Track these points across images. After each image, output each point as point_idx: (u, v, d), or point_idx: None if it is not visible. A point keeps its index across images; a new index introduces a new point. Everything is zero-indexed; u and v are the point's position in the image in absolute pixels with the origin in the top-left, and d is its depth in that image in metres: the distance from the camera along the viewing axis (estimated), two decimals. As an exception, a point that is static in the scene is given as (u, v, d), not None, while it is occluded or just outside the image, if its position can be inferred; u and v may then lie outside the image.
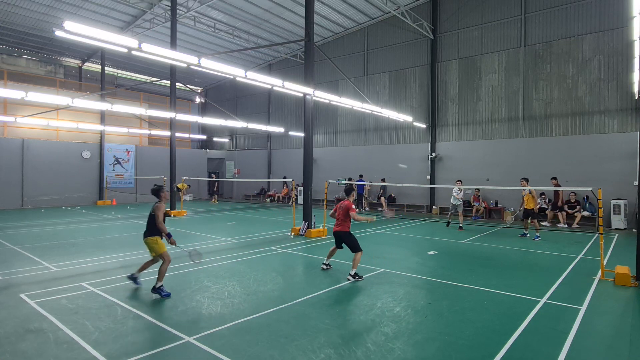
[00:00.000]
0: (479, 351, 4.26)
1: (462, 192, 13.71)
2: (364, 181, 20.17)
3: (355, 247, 7.24)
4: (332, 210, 7.74)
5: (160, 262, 6.20)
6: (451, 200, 13.75)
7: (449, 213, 14.24)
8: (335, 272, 7.66)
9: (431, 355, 4.19)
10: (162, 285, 6.02)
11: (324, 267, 7.78)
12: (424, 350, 4.30)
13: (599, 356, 4.25)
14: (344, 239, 7.39)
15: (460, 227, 13.45)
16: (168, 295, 5.98)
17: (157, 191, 6.48)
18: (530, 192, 11.68)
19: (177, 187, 21.43)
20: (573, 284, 6.94)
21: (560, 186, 15.28)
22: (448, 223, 14.21)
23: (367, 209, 20.56)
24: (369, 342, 4.47)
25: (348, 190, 7.78)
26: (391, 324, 5.08)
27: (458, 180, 14.13)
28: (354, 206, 7.45)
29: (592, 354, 4.30)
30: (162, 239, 6.26)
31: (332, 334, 4.66)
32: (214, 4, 18.65)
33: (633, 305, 5.91)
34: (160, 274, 6.03)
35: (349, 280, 6.98)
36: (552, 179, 15.18)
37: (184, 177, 19.45)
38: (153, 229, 6.23)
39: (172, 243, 6.13)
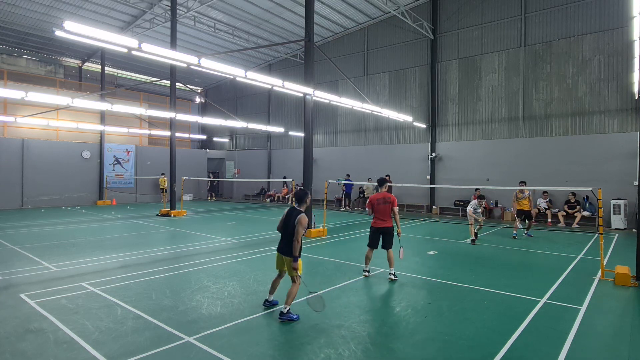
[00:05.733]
0: (479, 351, 4.26)
1: (481, 206, 11.80)
2: (351, 181, 20.22)
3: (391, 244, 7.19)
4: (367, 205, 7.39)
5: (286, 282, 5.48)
6: (472, 213, 11.35)
7: (473, 227, 11.21)
8: (333, 272, 7.66)
9: (431, 355, 4.19)
10: (289, 309, 5.11)
11: (366, 274, 7.32)
12: (424, 350, 4.30)
13: (599, 356, 4.25)
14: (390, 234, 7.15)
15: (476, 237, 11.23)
16: (297, 318, 5.12)
17: (303, 196, 5.42)
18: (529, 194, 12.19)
19: (162, 188, 21.66)
20: (573, 284, 6.94)
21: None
22: (473, 240, 11.02)
23: (360, 208, 20.58)
24: (369, 342, 4.47)
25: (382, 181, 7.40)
26: (391, 324, 5.08)
27: (478, 192, 13.27)
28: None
29: (592, 354, 4.30)
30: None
31: (332, 334, 4.66)
32: (214, 4, 18.64)
33: (633, 305, 5.91)
34: (291, 297, 5.11)
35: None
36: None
37: (184, 177, 19.42)
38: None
39: (296, 268, 5.16)
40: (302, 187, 5.75)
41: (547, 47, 16.06)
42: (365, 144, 21.91)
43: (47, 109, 18.58)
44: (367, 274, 7.31)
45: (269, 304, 5.60)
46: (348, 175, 21.24)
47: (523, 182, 12.27)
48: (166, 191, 20.17)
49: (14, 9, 17.90)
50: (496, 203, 17.33)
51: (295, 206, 5.40)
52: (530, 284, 6.88)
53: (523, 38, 16.60)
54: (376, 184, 7.59)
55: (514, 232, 11.91)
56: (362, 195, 21.20)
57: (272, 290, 5.64)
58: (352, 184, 20.15)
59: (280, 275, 5.64)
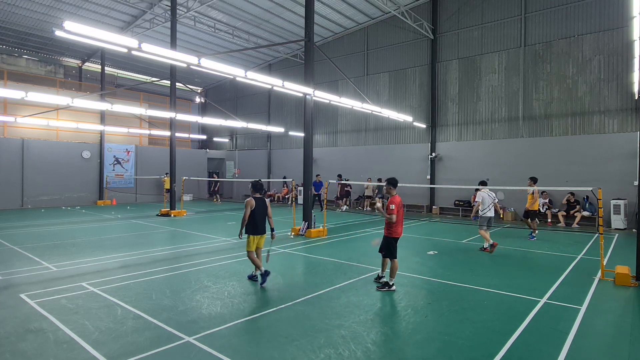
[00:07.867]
0: (479, 351, 4.26)
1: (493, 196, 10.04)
2: (322, 183, 19.39)
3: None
4: (394, 211, 6.59)
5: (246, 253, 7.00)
6: (484, 213, 9.87)
7: (484, 228, 9.77)
8: (333, 272, 7.66)
9: (431, 355, 4.19)
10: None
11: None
12: (424, 350, 4.30)
13: (599, 356, 4.25)
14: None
15: (486, 249, 9.61)
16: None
17: (261, 186, 7.28)
18: (533, 192, 11.50)
19: (166, 189, 21.39)
20: (573, 284, 6.94)
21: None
22: (492, 246, 9.46)
23: (343, 207, 20.55)
24: (369, 342, 4.47)
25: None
26: (391, 324, 5.08)
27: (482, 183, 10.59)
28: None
29: (592, 353, 4.30)
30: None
31: (332, 334, 4.66)
32: (214, 4, 18.64)
33: (633, 305, 5.91)
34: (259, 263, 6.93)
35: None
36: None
37: (184, 177, 19.42)
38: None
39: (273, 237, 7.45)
40: (259, 180, 7.05)
41: (547, 47, 16.05)
42: (365, 144, 21.90)
43: (47, 109, 18.58)
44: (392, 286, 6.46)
45: (260, 277, 6.74)
46: (318, 175, 19.96)
47: (531, 179, 11.26)
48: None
49: (14, 9, 17.89)
50: (496, 203, 17.30)
51: (256, 196, 7.01)
52: (530, 284, 6.87)
53: (523, 38, 16.60)
54: (385, 183, 7.43)
55: (534, 233, 11.37)
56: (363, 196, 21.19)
57: (259, 265, 6.81)
58: (322, 185, 19.41)
59: (255, 252, 6.95)
